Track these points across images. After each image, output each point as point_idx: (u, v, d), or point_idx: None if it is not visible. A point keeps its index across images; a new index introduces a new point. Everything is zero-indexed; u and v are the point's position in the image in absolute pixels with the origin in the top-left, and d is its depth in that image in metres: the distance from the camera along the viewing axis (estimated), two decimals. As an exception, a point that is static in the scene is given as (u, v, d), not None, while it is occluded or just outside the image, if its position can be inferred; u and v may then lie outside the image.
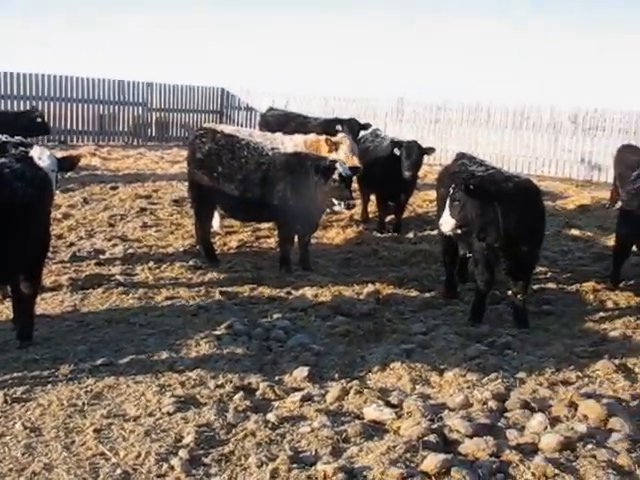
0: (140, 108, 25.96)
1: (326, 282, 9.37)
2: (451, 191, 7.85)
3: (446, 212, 7.89)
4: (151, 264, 9.78)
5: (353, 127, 14.49)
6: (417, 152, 12.28)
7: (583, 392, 6.13)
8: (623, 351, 7.37)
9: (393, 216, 13.09)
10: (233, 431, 5.28)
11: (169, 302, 8.35)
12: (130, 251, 10.43)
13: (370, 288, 9.14)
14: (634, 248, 9.96)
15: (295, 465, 4.77)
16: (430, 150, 12.56)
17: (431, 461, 4.77)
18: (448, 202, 7.86)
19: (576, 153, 23.12)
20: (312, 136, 11.79)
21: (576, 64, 66.39)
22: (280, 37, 78.49)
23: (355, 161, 11.07)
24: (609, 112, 22.92)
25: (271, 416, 5.52)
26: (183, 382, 6.10)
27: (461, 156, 9.42)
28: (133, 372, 6.27)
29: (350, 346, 7.30)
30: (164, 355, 6.67)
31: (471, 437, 5.21)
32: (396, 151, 12.25)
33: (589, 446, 5.18)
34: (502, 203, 7.65)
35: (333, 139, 11.56)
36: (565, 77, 60.98)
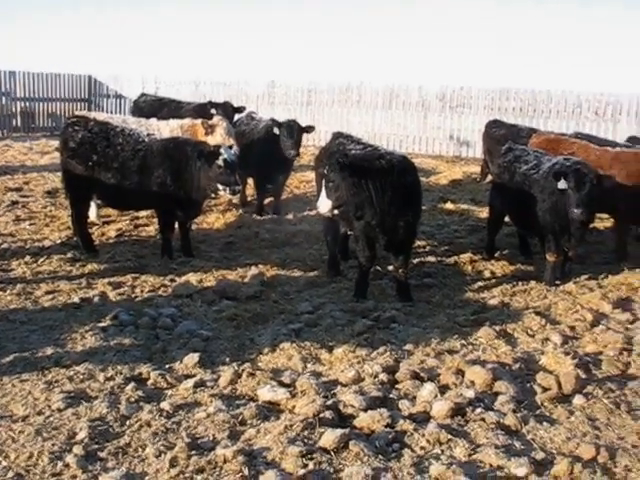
0: (3, 98, 24.93)
1: (209, 267, 9.29)
2: (326, 172, 7.88)
3: (323, 193, 7.93)
4: (27, 258, 9.40)
5: (228, 111, 14.38)
6: (298, 131, 12.32)
7: (468, 359, 6.39)
8: (502, 318, 7.71)
9: (272, 198, 13.11)
10: (127, 423, 5.19)
11: (50, 296, 8.06)
12: (4, 246, 10.00)
13: (254, 271, 9.12)
14: (507, 219, 10.37)
15: (194, 452, 4.74)
16: (310, 129, 12.61)
17: (329, 437, 4.85)
18: (324, 183, 7.90)
19: (445, 130, 23.83)
20: (188, 121, 11.68)
21: (442, 43, 68.00)
22: (147, 23, 76.89)
23: (231, 142, 11.01)
24: (474, 90, 23.72)
25: (165, 405, 5.45)
26: (71, 377, 5.93)
27: (338, 135, 9.50)
28: (17, 370, 6.03)
29: (238, 329, 7.28)
30: (49, 351, 6.46)
31: (365, 410, 5.32)
32: (275, 130, 12.24)
33: (478, 410, 5.44)
34: (378, 180, 7.75)
35: (209, 122, 11.47)
36: (431, 56, 62.37)
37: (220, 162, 8.96)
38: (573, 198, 8.33)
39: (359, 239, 8.26)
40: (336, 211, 8.02)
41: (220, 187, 9.04)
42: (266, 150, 12.28)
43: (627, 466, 4.79)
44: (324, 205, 7.94)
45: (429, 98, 24.03)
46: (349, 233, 8.87)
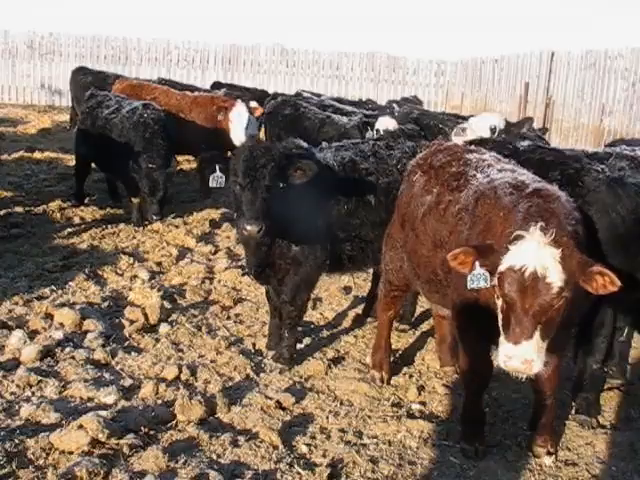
0: None
1: None
2: None
3: None
4: None
5: None
6: None
7: (58, 303, 6.54)
8: (92, 260, 7.94)
9: None
10: None
11: None
12: None
13: None
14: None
15: None
16: None
17: None
18: None
19: (35, 78, 23.20)
20: None
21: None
22: None
23: None
24: (64, 37, 23.26)
25: None
26: None
27: None
28: None
29: None
30: None
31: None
32: None
33: (67, 349, 5.66)
34: None
35: None
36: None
37: None
38: None
39: None
40: None
41: None
42: None
43: (206, 379, 5.36)
44: None
45: (16, 44, 23.06)
46: None
